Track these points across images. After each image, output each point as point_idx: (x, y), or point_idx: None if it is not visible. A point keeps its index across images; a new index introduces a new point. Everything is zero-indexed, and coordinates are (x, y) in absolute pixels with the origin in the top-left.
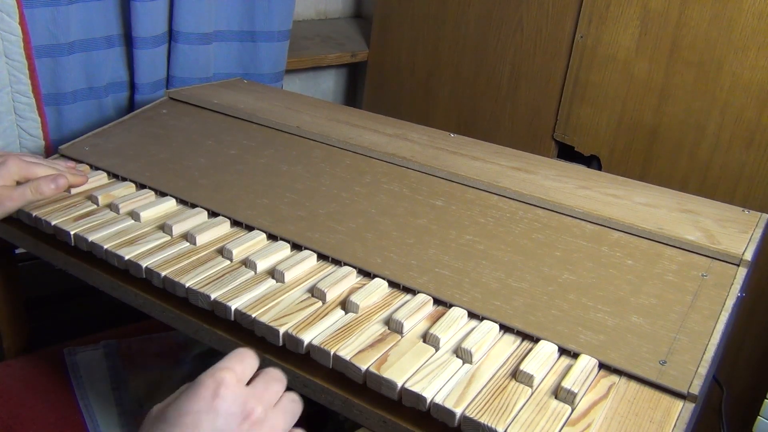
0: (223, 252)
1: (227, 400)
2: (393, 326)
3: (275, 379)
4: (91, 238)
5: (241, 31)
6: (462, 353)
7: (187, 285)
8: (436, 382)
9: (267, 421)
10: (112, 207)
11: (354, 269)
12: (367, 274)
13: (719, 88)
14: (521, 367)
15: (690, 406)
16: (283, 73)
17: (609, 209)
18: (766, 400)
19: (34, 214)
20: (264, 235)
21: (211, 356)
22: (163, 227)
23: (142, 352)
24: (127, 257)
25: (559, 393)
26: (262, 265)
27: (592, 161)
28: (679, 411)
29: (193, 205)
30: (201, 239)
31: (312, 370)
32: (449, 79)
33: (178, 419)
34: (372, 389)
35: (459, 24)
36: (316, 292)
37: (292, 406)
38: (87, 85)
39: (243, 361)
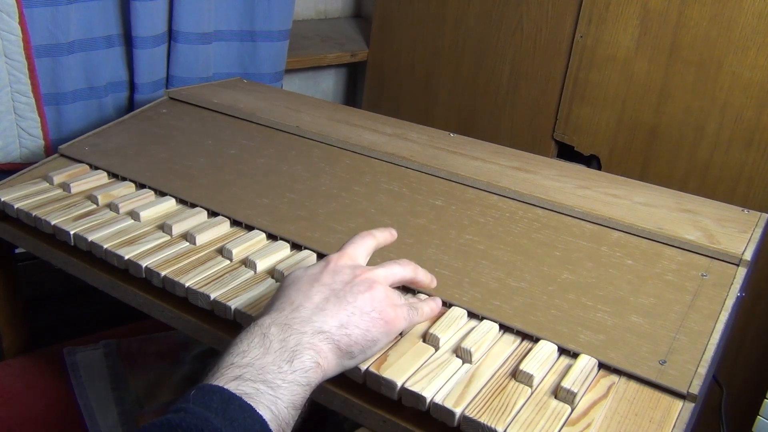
0: (222, 252)
1: (340, 265)
2: None
3: (397, 263)
4: (90, 237)
5: (241, 30)
6: (462, 353)
7: (186, 285)
8: (435, 381)
9: (375, 279)
10: (112, 207)
11: None
12: None
13: (719, 88)
14: (521, 367)
15: (690, 406)
16: (282, 72)
17: (609, 209)
18: (766, 400)
19: (34, 214)
20: (264, 235)
21: (211, 356)
22: (163, 227)
23: (142, 352)
24: (126, 257)
25: (559, 393)
26: (262, 264)
27: (591, 161)
28: (679, 411)
29: (193, 205)
30: (201, 239)
31: None
32: (449, 79)
33: (302, 276)
34: (372, 389)
35: (459, 24)
36: None
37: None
38: (87, 85)
39: (355, 243)
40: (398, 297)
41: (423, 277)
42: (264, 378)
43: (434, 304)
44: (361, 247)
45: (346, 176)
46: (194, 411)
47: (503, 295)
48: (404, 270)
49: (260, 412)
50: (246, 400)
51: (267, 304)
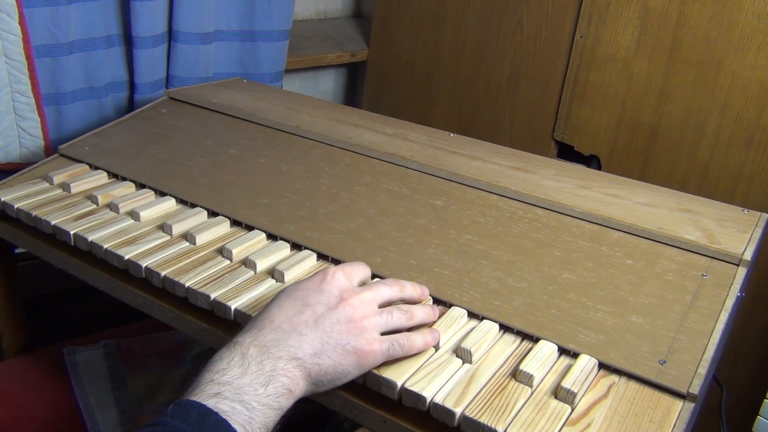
0: (222, 252)
1: (332, 284)
2: None
3: (384, 283)
4: (90, 237)
5: (241, 30)
6: (462, 353)
7: (186, 285)
8: (435, 381)
9: (358, 308)
10: (112, 207)
11: None
12: None
13: (719, 88)
14: (521, 367)
15: (690, 406)
16: (282, 72)
17: (609, 209)
18: (766, 400)
19: (34, 214)
20: (264, 235)
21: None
22: (163, 227)
23: (141, 351)
24: (126, 257)
25: (559, 393)
26: (262, 264)
27: (591, 161)
28: (679, 411)
29: (193, 205)
30: (201, 239)
31: None
32: (449, 79)
33: (293, 291)
34: (372, 389)
35: (459, 24)
36: None
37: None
38: (87, 85)
39: (354, 265)
40: (378, 330)
41: (411, 292)
42: (241, 398)
43: (430, 337)
44: (359, 269)
45: (346, 176)
46: (171, 425)
47: (503, 295)
48: (391, 290)
49: (235, 428)
50: (222, 416)
51: (252, 319)
